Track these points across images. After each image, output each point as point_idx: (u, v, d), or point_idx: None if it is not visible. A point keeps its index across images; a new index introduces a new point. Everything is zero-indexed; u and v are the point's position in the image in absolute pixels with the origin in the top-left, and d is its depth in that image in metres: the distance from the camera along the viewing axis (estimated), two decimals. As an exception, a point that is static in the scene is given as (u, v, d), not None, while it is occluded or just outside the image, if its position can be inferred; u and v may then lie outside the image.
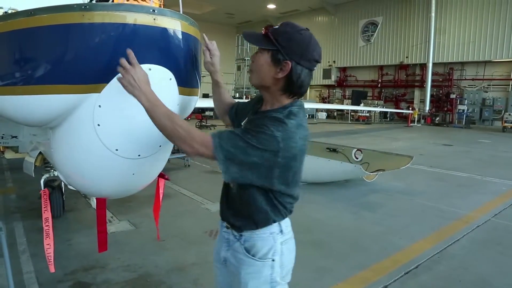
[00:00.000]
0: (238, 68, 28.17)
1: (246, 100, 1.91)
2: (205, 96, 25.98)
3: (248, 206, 1.55)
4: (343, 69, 29.82)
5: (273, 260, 1.57)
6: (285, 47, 1.42)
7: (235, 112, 1.87)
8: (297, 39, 1.42)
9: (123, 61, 1.40)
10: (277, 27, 1.46)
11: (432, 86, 22.90)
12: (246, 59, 24.04)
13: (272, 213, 1.55)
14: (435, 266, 3.76)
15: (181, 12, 1.62)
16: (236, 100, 1.97)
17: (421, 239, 4.47)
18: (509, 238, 4.58)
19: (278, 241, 1.59)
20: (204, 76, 2.20)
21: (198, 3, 28.09)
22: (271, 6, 29.56)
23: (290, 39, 1.42)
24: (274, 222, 1.58)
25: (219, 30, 34.01)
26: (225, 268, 1.71)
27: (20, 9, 2.48)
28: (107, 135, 1.58)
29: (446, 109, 23.49)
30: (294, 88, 1.48)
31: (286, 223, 1.64)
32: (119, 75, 1.42)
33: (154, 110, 1.38)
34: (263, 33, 1.47)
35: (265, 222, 1.56)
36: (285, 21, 1.49)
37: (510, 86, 21.22)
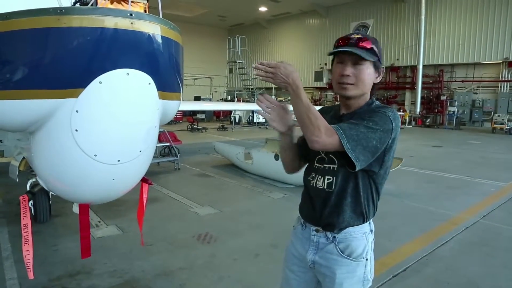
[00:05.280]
0: (230, 70, 28.10)
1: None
2: (197, 98, 25.84)
3: (348, 204, 1.62)
4: (334, 71, 29.80)
5: (366, 259, 1.66)
6: (380, 55, 1.63)
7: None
8: (380, 47, 1.65)
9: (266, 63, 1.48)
10: (370, 39, 1.60)
11: (422, 88, 22.98)
12: (238, 61, 23.97)
13: (367, 208, 1.64)
14: (423, 268, 3.76)
15: (160, 16, 1.60)
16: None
17: (410, 241, 4.48)
18: (497, 239, 4.61)
19: (370, 240, 1.68)
20: (186, 79, 2.16)
21: (190, 6, 27.99)
22: (263, 8, 29.57)
23: (380, 48, 1.64)
24: (368, 220, 1.67)
25: (211, 32, 33.93)
26: (309, 272, 1.75)
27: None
28: (85, 140, 1.55)
29: (436, 110, 23.64)
30: (378, 86, 1.71)
31: (372, 223, 1.74)
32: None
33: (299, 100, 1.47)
34: (368, 47, 1.57)
35: (362, 219, 1.64)
36: (362, 33, 1.68)
37: (499, 88, 21.44)
